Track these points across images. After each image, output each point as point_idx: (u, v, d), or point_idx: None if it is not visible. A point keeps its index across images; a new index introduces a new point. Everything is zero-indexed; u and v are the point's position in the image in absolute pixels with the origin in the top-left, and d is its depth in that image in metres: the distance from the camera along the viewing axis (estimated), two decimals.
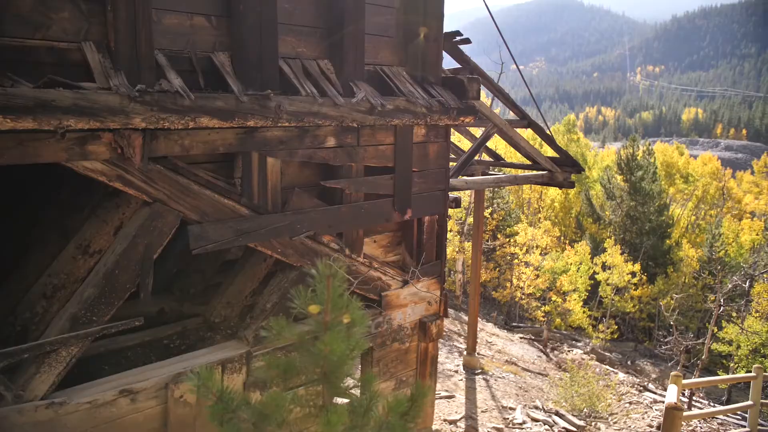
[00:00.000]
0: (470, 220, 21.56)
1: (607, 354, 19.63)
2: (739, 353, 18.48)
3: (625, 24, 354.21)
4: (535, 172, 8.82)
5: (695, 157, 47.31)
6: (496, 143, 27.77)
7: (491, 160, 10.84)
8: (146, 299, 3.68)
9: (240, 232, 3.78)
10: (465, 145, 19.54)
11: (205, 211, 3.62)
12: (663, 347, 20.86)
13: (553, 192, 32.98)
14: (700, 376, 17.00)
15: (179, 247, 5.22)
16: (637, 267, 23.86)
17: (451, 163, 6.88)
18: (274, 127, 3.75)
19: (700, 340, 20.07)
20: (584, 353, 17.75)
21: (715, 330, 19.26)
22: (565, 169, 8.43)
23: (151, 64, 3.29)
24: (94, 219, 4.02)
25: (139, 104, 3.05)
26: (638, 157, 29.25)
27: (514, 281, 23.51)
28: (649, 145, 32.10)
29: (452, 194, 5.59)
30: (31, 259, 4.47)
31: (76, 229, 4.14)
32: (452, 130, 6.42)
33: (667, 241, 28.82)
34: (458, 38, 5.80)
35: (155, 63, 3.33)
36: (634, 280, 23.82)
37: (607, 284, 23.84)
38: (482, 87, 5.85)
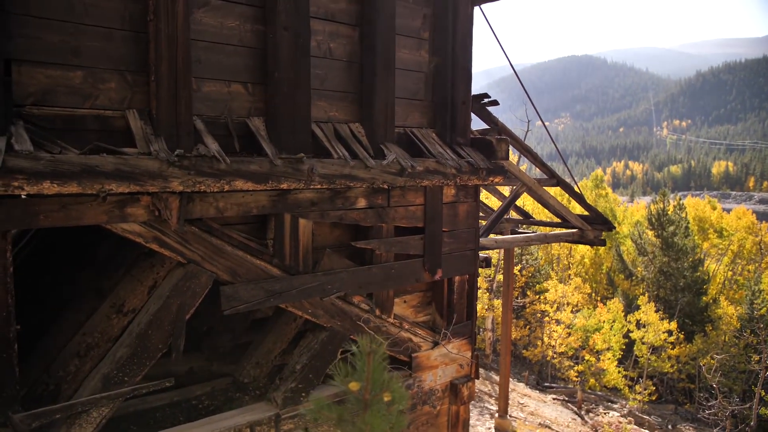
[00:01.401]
0: (499, 277, 21.29)
1: (645, 417, 18.74)
2: None
3: (650, 80, 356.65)
4: (565, 230, 8.74)
5: (728, 210, 46.33)
6: (524, 200, 27.71)
7: (520, 217, 10.79)
8: (177, 359, 3.69)
9: (271, 293, 3.80)
10: (493, 201, 19.52)
11: (238, 271, 3.66)
12: (707, 411, 19.84)
13: (583, 248, 32.48)
14: None
15: (210, 306, 5.25)
16: (673, 325, 23.07)
17: (480, 222, 6.88)
18: (307, 189, 3.82)
19: (747, 405, 19.06)
20: (621, 416, 16.99)
21: (763, 393, 18.29)
22: (595, 227, 8.34)
23: (190, 130, 3.41)
24: (128, 278, 4.09)
25: (178, 168, 3.15)
26: (669, 212, 28.77)
27: (545, 339, 22.90)
28: (680, 199, 31.64)
29: (482, 254, 5.55)
30: (66, 317, 4.54)
31: (112, 288, 4.22)
32: (481, 188, 6.46)
33: (704, 298, 27.89)
34: (486, 100, 5.92)
35: (194, 128, 3.45)
36: (671, 338, 22.98)
37: (643, 343, 23.02)
38: (510, 146, 5.90)
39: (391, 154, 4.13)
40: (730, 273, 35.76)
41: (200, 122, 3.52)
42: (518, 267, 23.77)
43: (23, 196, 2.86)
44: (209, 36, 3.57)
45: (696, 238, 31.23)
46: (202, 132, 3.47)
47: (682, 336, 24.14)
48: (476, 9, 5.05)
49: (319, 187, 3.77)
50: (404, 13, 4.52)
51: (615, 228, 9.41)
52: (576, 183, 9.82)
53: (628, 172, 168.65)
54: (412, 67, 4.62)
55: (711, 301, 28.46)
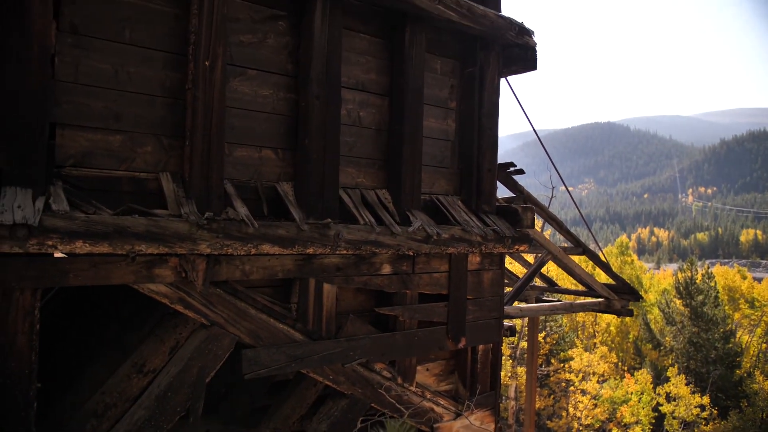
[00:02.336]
0: (523, 344, 20.78)
1: None
2: None
3: (673, 147, 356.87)
4: (591, 300, 8.56)
5: (759, 280, 45.06)
6: (549, 266, 27.37)
7: (545, 285, 10.63)
8: (195, 422, 3.62)
9: (293, 358, 3.75)
10: (517, 268, 19.31)
11: (260, 335, 3.63)
12: None
13: (609, 315, 31.68)
14: None
15: (228, 367, 5.19)
16: (705, 399, 22.09)
17: (504, 289, 6.79)
18: (333, 255, 3.83)
19: None
20: None
21: None
22: (622, 296, 8.16)
23: (220, 193, 3.49)
24: (152, 338, 4.08)
25: (206, 231, 3.19)
26: (697, 281, 28.09)
27: (571, 410, 22.04)
28: (708, 267, 30.94)
29: (507, 322, 5.45)
30: (88, 373, 4.51)
31: (135, 344, 4.20)
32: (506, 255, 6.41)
33: (737, 372, 26.75)
34: (512, 169, 5.98)
35: (224, 192, 3.52)
36: (704, 414, 21.95)
37: (674, 417, 22.01)
38: (536, 214, 5.91)
39: (417, 221, 4.15)
40: (764, 345, 34.38)
41: (230, 186, 3.60)
42: (542, 334, 23.21)
43: (56, 255, 2.92)
44: (243, 103, 3.70)
45: (726, 308, 30.28)
46: (232, 196, 3.54)
47: (715, 411, 23.04)
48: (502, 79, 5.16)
49: (344, 252, 3.78)
50: (432, 84, 4.65)
51: (642, 298, 9.19)
52: (601, 250, 9.70)
53: (654, 239, 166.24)
54: (438, 135, 4.71)
55: (745, 374, 27.27)
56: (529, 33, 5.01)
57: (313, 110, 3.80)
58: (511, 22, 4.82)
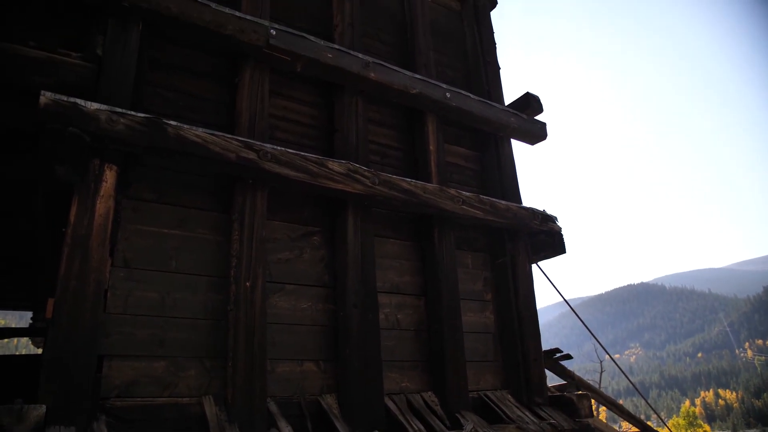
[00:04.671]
0: None
1: None
2: None
3: (716, 301, 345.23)
4: None
5: None
6: None
7: None
8: None
9: None
10: None
11: None
12: None
13: None
14: None
15: None
16: None
17: None
18: None
19: None
20: None
21: None
22: None
23: (263, 413, 3.38)
24: None
25: None
26: None
27: None
28: None
29: None
30: None
31: None
32: None
33: None
34: (558, 355, 5.79)
35: (267, 411, 3.42)
36: None
37: None
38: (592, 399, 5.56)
39: (468, 423, 3.92)
40: None
41: (273, 404, 3.50)
42: None
43: None
44: (283, 318, 3.76)
45: None
46: (276, 415, 3.43)
47: None
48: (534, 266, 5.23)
49: None
50: (465, 278, 4.72)
51: None
52: (665, 424, 8.89)
53: (721, 402, 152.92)
54: (478, 329, 4.66)
55: None
56: (552, 219, 5.18)
57: (352, 319, 3.84)
58: (533, 212, 5.02)
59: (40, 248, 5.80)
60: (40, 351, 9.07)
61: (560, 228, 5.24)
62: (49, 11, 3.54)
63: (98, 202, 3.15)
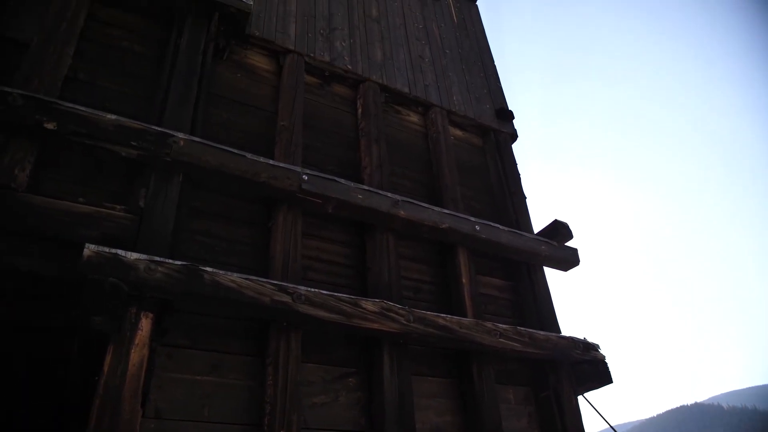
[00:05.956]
0: None
1: None
2: None
3: None
4: None
5: None
6: None
7: None
8: None
9: None
10: None
11: None
12: None
13: None
14: None
15: None
16: None
17: None
18: None
19: None
20: None
21: None
22: None
23: None
24: None
25: None
26: None
27: None
28: None
29: None
30: None
31: None
32: None
33: None
34: None
35: None
36: None
37: None
38: None
39: None
40: None
41: None
42: None
43: None
44: None
45: None
46: None
47: None
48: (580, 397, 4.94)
49: None
50: (509, 415, 4.46)
51: None
52: None
53: None
54: None
55: None
56: (594, 347, 4.97)
57: None
58: (574, 341, 4.84)
59: (70, 396, 5.73)
60: None
61: (604, 356, 5.01)
62: (97, 167, 3.78)
63: (133, 351, 3.14)
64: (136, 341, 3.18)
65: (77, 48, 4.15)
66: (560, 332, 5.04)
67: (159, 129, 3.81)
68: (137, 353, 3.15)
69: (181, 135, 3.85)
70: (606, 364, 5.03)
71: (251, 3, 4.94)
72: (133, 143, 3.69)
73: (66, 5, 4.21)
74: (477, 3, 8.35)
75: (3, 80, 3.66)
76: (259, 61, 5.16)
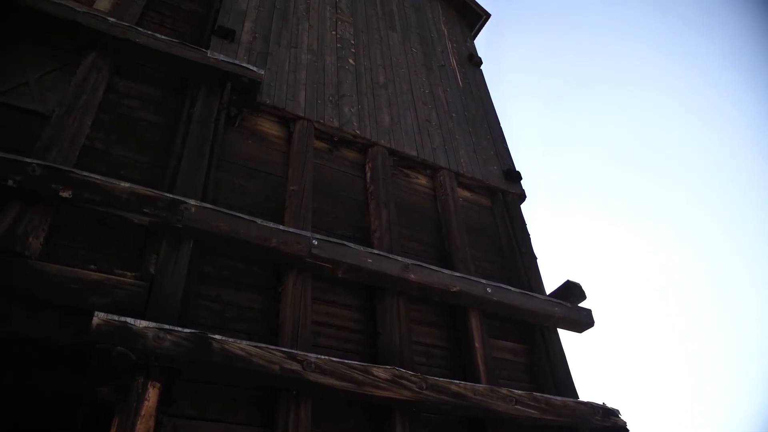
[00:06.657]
0: None
1: None
2: None
3: None
4: None
5: None
6: None
7: None
8: None
9: None
10: None
11: None
12: None
13: None
14: None
15: None
16: None
17: None
18: None
19: None
20: None
21: None
22: None
23: None
24: None
25: None
26: None
27: None
28: None
29: None
30: None
31: None
32: None
33: None
34: None
35: None
36: None
37: None
38: None
39: None
40: None
41: None
42: None
43: None
44: None
45: None
46: None
47: None
48: None
49: None
50: None
51: None
52: None
53: None
54: None
55: None
56: (615, 413, 4.80)
57: None
58: (593, 407, 4.67)
59: None
60: None
61: (625, 423, 4.83)
62: (109, 234, 3.81)
63: (138, 422, 3.06)
64: (142, 412, 3.10)
65: (95, 118, 4.28)
66: (577, 397, 4.88)
67: (171, 196, 3.86)
68: (143, 425, 3.07)
69: (192, 201, 3.89)
70: (628, 430, 4.85)
71: (263, 73, 5.10)
72: (145, 210, 3.73)
73: (87, 79, 4.37)
74: (481, 68, 8.59)
75: (25, 150, 3.76)
76: (270, 127, 5.28)
